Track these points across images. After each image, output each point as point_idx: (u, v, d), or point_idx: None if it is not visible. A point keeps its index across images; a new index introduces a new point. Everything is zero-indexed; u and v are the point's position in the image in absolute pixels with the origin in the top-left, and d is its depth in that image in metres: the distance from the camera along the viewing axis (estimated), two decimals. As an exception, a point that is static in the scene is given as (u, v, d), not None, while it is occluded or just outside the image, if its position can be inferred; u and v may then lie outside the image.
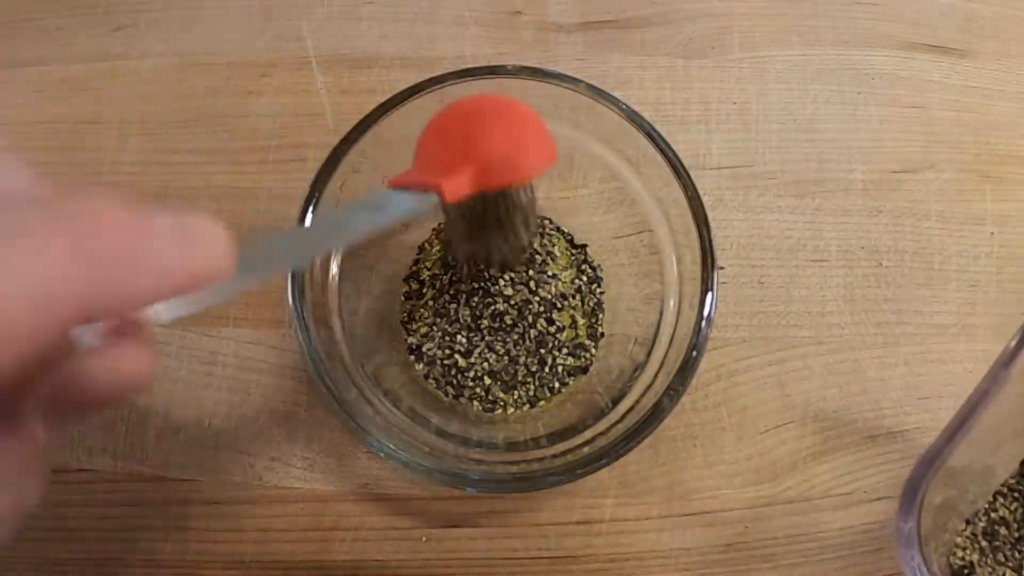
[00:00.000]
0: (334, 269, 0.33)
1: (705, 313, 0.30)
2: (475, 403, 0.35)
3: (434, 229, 0.38)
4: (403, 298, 0.37)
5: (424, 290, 0.37)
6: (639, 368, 0.33)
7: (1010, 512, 0.34)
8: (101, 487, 0.36)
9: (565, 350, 0.36)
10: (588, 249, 0.38)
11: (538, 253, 0.36)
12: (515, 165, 0.27)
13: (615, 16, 0.43)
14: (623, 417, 0.31)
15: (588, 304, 0.37)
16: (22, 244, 0.13)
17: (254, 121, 0.41)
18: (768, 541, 0.36)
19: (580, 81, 0.32)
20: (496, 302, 0.35)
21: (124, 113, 0.41)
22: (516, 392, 0.35)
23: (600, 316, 0.37)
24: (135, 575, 0.35)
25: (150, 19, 0.43)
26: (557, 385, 0.36)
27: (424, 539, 0.35)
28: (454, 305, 0.36)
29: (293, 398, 0.37)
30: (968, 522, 0.34)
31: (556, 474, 0.29)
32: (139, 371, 0.17)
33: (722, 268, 0.39)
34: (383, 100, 0.32)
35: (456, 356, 0.35)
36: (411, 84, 0.32)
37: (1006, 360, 0.26)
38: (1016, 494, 0.34)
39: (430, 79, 0.32)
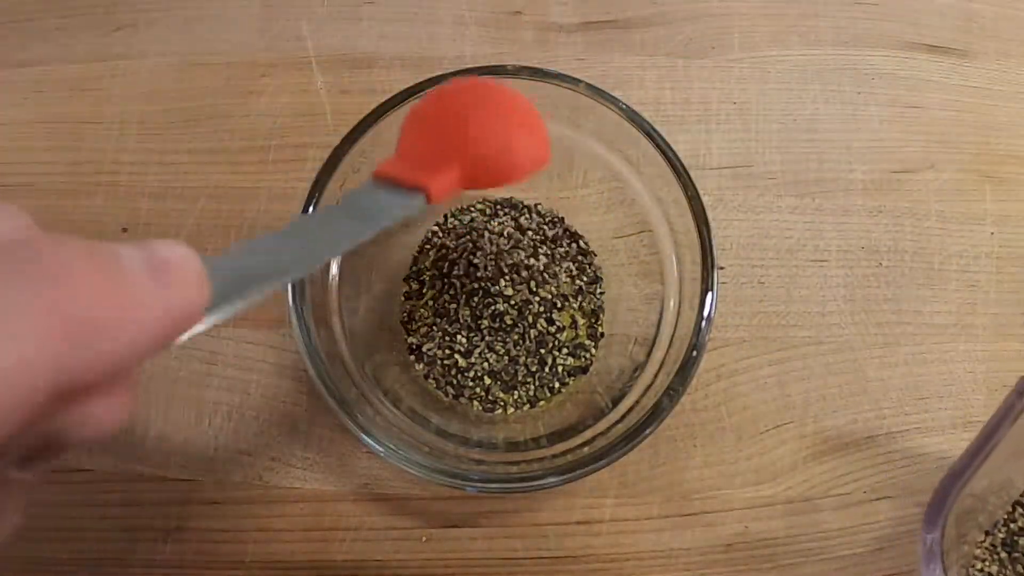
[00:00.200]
0: (334, 269, 0.33)
1: (705, 313, 0.30)
2: (475, 403, 0.35)
3: (433, 229, 0.38)
4: (403, 298, 0.37)
5: (424, 290, 0.37)
6: (639, 368, 0.33)
7: (1030, 523, 0.34)
8: (101, 487, 0.36)
9: (565, 350, 0.36)
10: (589, 249, 0.38)
11: (543, 255, 0.36)
12: (507, 166, 0.25)
13: (615, 16, 0.43)
14: (623, 417, 0.31)
15: (588, 304, 0.37)
16: None
17: (254, 121, 0.41)
18: (768, 541, 0.36)
19: (580, 81, 0.32)
20: (496, 302, 0.35)
21: (124, 113, 0.41)
22: (516, 392, 0.35)
23: (600, 316, 0.37)
24: (135, 575, 0.35)
25: (150, 19, 0.43)
26: (557, 385, 0.36)
27: (424, 539, 0.35)
28: (454, 305, 0.36)
29: (293, 398, 0.37)
30: (987, 533, 0.34)
31: (556, 474, 0.29)
32: (120, 419, 0.16)
33: (722, 268, 0.39)
34: (383, 100, 0.32)
35: (456, 356, 0.35)
36: (411, 84, 0.32)
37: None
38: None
39: (430, 79, 0.32)
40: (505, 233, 0.37)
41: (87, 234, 0.39)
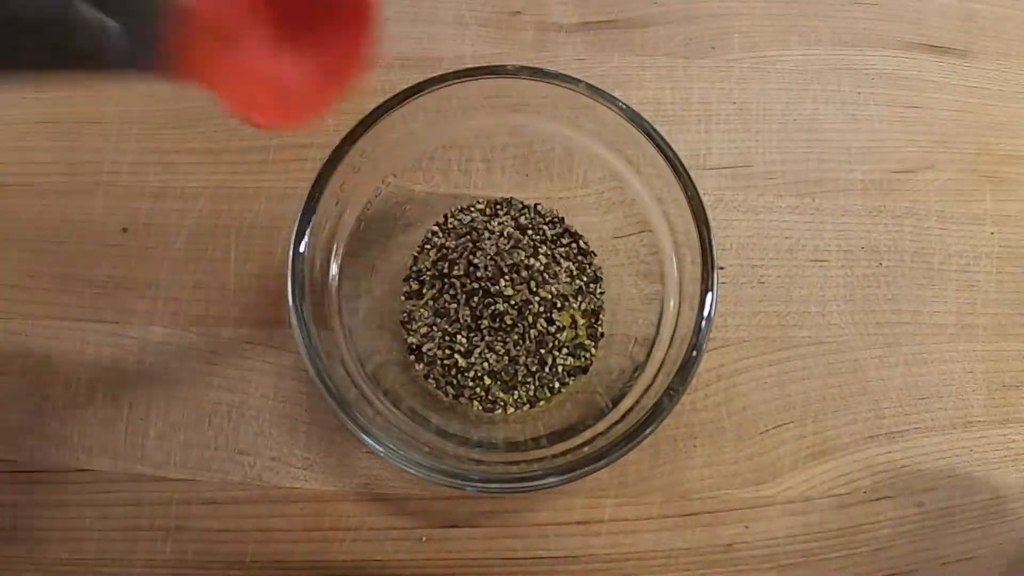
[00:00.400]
0: (334, 269, 0.33)
1: (705, 313, 0.30)
2: (475, 403, 0.35)
3: (433, 229, 0.38)
4: (403, 298, 0.37)
5: (424, 290, 0.37)
6: (639, 368, 0.33)
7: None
8: (101, 487, 0.36)
9: (565, 350, 0.36)
10: (589, 249, 0.38)
11: (543, 255, 0.36)
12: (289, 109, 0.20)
13: (615, 16, 0.43)
14: (623, 417, 0.31)
15: (588, 304, 0.37)
16: None
17: (254, 121, 0.41)
18: (768, 541, 0.36)
19: (580, 81, 0.32)
20: (496, 302, 0.35)
21: (124, 113, 0.41)
22: (516, 392, 0.35)
23: (600, 316, 0.37)
24: (135, 575, 0.35)
25: (150, 19, 0.43)
26: (557, 385, 0.36)
27: (424, 539, 0.35)
28: (454, 305, 0.36)
29: (293, 398, 0.37)
30: None
31: (556, 474, 0.29)
32: None
33: (722, 268, 0.39)
34: (383, 100, 0.32)
35: (456, 356, 0.35)
36: (411, 84, 0.32)
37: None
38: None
39: (430, 79, 0.32)
40: (505, 233, 0.37)
41: (87, 234, 0.39)
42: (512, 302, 0.35)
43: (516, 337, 0.35)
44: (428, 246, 0.38)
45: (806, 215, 0.40)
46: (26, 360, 0.38)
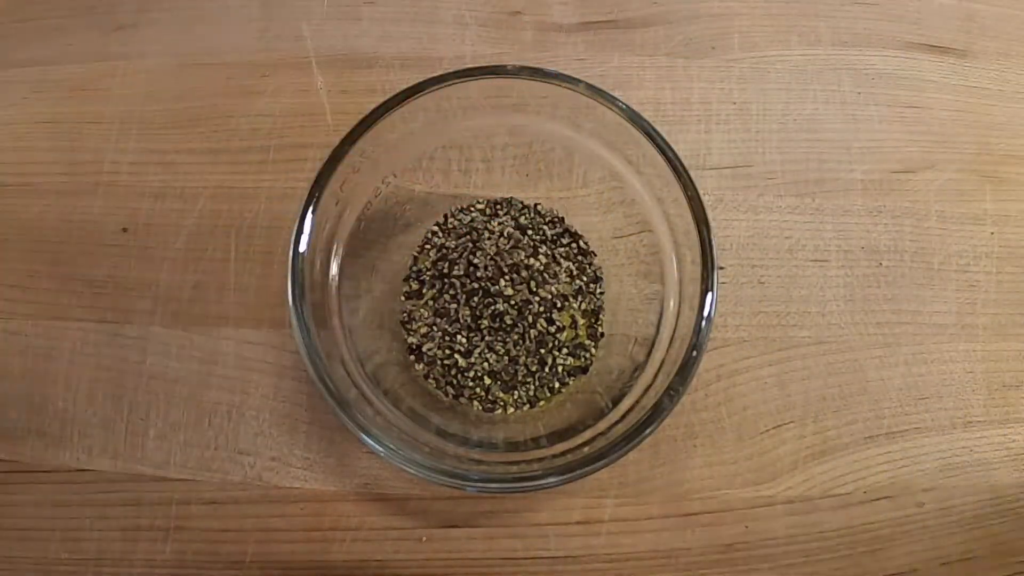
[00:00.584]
0: (334, 269, 0.33)
1: (705, 313, 0.30)
2: (475, 403, 0.35)
3: (433, 229, 0.38)
4: (403, 298, 0.37)
5: (424, 290, 0.37)
6: (639, 368, 0.33)
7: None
8: (101, 487, 0.36)
9: (565, 350, 0.36)
10: (589, 249, 0.38)
11: (543, 255, 0.36)
12: None
13: (615, 16, 0.43)
14: (623, 417, 0.31)
15: (588, 304, 0.37)
16: None
17: (254, 121, 0.41)
18: (768, 541, 0.36)
19: (580, 81, 0.32)
20: (496, 302, 0.35)
21: (124, 113, 0.41)
22: (516, 392, 0.35)
23: (600, 316, 0.37)
24: (135, 575, 0.35)
25: (150, 19, 0.43)
26: (557, 385, 0.36)
27: (424, 539, 0.35)
28: (454, 305, 0.36)
29: (293, 398, 0.37)
30: None
31: (556, 474, 0.29)
32: None
33: (722, 268, 0.39)
34: (383, 100, 0.32)
35: (456, 356, 0.35)
36: (411, 84, 0.32)
37: None
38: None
39: (430, 79, 0.32)
40: (505, 233, 0.37)
41: (87, 234, 0.39)
42: (512, 302, 0.35)
43: (516, 337, 0.35)
44: (428, 246, 0.38)
45: (806, 215, 0.40)
46: (26, 360, 0.38)
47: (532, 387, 0.35)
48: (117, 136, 0.41)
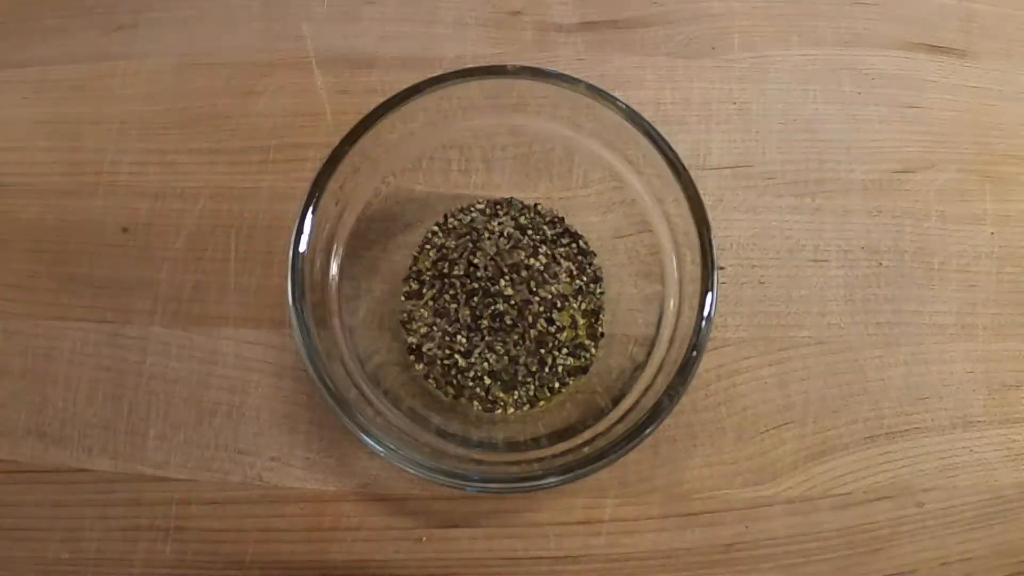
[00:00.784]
0: (334, 269, 0.33)
1: (705, 313, 0.30)
2: (475, 403, 0.35)
3: (433, 229, 0.38)
4: (403, 298, 0.37)
5: (424, 290, 0.37)
6: (639, 368, 0.33)
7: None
8: (101, 487, 0.36)
9: (565, 350, 0.36)
10: (589, 249, 0.38)
11: (543, 255, 0.36)
12: None
13: (615, 16, 0.43)
14: (623, 417, 0.31)
15: (588, 304, 0.37)
16: None
17: (254, 121, 0.41)
18: (768, 541, 0.36)
19: (580, 81, 0.32)
20: (496, 302, 0.35)
21: (124, 113, 0.41)
22: (516, 392, 0.35)
23: (600, 316, 0.37)
24: (135, 575, 0.35)
25: (150, 19, 0.43)
26: (557, 385, 0.36)
27: (424, 539, 0.35)
28: (454, 305, 0.36)
29: (293, 398, 0.37)
30: None
31: (556, 474, 0.29)
32: None
33: (722, 268, 0.39)
34: (383, 100, 0.32)
35: (456, 356, 0.35)
36: (411, 84, 0.32)
37: None
38: None
39: (430, 79, 0.32)
40: (505, 233, 0.37)
41: (87, 234, 0.39)
42: (512, 302, 0.35)
43: (516, 337, 0.35)
44: (428, 246, 0.38)
45: (806, 215, 0.40)
46: (26, 360, 0.38)
47: (532, 387, 0.35)
48: (117, 136, 0.41)
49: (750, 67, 0.42)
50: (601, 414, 0.32)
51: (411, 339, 0.36)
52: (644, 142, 0.32)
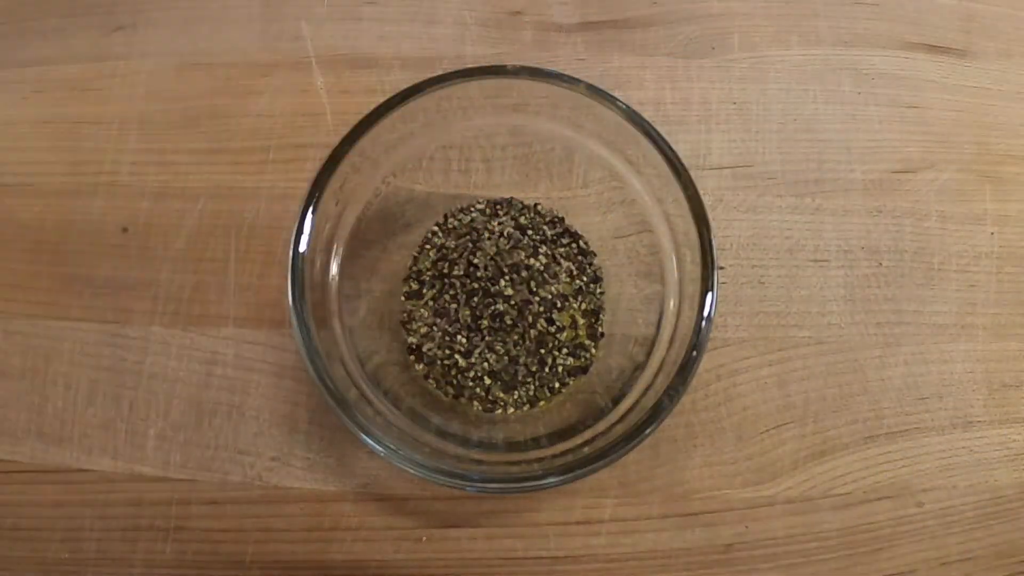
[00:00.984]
0: (334, 269, 0.33)
1: (705, 313, 0.30)
2: (475, 403, 0.35)
3: (433, 229, 0.38)
4: (403, 298, 0.37)
5: (424, 290, 0.37)
6: (639, 368, 0.33)
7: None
8: (101, 487, 0.36)
9: (565, 350, 0.36)
10: (589, 249, 0.38)
11: (543, 255, 0.36)
12: None
13: (615, 16, 0.43)
14: (623, 417, 0.31)
15: (588, 304, 0.37)
16: None
17: (254, 121, 0.41)
18: (768, 541, 0.36)
19: (580, 81, 0.32)
20: (496, 302, 0.35)
21: (124, 113, 0.41)
22: (516, 392, 0.35)
23: (600, 316, 0.37)
24: (135, 575, 0.35)
25: (150, 19, 0.43)
26: (557, 385, 0.36)
27: (424, 539, 0.35)
28: (454, 305, 0.36)
29: (293, 398, 0.37)
30: None
31: (556, 474, 0.29)
32: None
33: (722, 268, 0.39)
34: (383, 100, 0.32)
35: (456, 356, 0.35)
36: (411, 84, 0.32)
37: None
38: None
39: (430, 79, 0.32)
40: (505, 233, 0.37)
41: (87, 234, 0.39)
42: (512, 302, 0.35)
43: (516, 337, 0.35)
44: (428, 246, 0.38)
45: (806, 215, 0.40)
46: (26, 360, 0.38)
47: (532, 387, 0.35)
48: (117, 136, 0.41)
49: (750, 67, 0.42)
50: (601, 414, 0.32)
51: (411, 339, 0.36)
52: (644, 142, 0.32)
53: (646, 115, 0.32)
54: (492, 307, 0.35)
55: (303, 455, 0.36)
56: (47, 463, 0.37)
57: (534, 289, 0.36)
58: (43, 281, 0.39)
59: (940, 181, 0.41)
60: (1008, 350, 0.39)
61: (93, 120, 0.41)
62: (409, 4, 0.43)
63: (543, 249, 0.37)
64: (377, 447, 0.29)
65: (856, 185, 0.40)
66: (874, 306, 0.39)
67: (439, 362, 0.36)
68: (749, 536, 0.36)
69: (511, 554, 0.35)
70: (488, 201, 0.38)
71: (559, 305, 0.36)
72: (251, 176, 0.40)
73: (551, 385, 0.36)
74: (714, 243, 0.31)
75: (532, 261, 0.36)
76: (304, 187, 0.31)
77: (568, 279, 0.37)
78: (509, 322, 0.35)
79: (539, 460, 0.31)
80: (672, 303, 0.33)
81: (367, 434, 0.29)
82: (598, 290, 0.37)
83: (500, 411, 0.36)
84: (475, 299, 0.36)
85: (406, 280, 0.37)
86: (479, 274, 0.36)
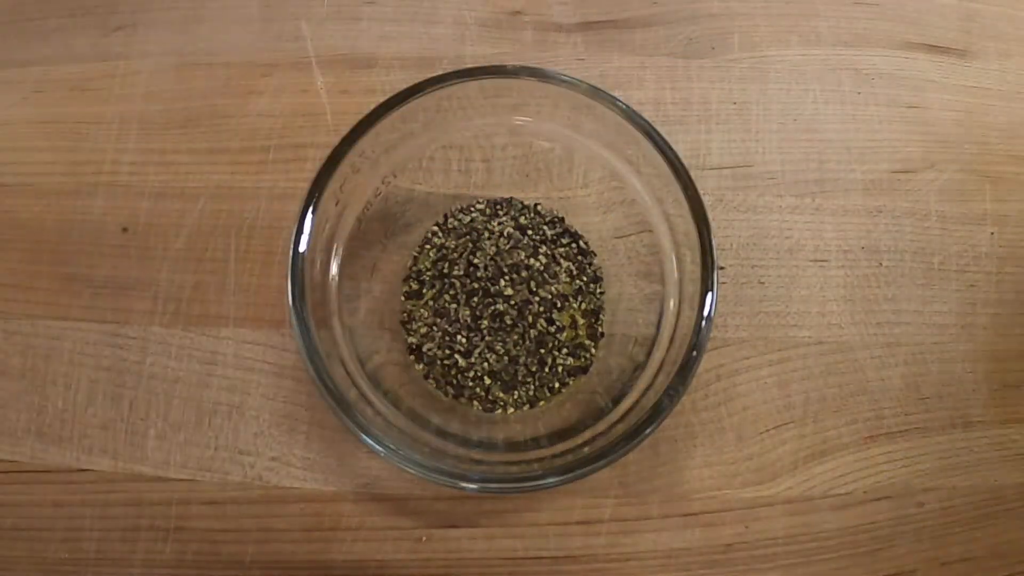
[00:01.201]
0: (334, 269, 0.33)
1: (705, 313, 0.30)
2: (475, 403, 0.35)
3: (433, 229, 0.38)
4: (403, 298, 0.37)
5: (424, 290, 0.37)
6: (639, 368, 0.33)
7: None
8: (101, 487, 0.36)
9: (565, 350, 0.36)
10: (589, 249, 0.38)
11: (543, 255, 0.36)
12: None
13: (615, 16, 0.43)
14: (623, 417, 0.31)
15: (588, 304, 0.37)
16: None
17: (254, 121, 0.41)
18: (768, 541, 0.36)
19: (580, 81, 0.32)
20: (496, 302, 0.35)
21: (124, 113, 0.41)
22: (516, 392, 0.35)
23: (600, 316, 0.37)
24: (135, 575, 0.35)
25: (150, 19, 0.43)
26: (557, 385, 0.36)
27: (424, 539, 0.35)
28: (454, 305, 0.36)
29: (293, 398, 0.37)
30: None
31: (556, 474, 0.29)
32: None
33: (722, 268, 0.39)
34: (383, 100, 0.32)
35: (456, 356, 0.35)
36: (411, 84, 0.32)
37: None
38: None
39: (430, 79, 0.32)
40: (505, 233, 0.37)
41: (87, 234, 0.39)
42: (512, 302, 0.35)
43: (516, 337, 0.35)
44: (428, 246, 0.38)
45: (806, 215, 0.40)
46: (26, 360, 0.38)
47: (532, 387, 0.35)
48: (117, 136, 0.41)
49: (750, 67, 0.42)
50: (601, 414, 0.32)
51: (411, 339, 0.36)
52: (644, 142, 0.32)
53: (646, 115, 0.32)
54: (492, 307, 0.35)
55: (303, 455, 0.36)
56: (47, 463, 0.37)
57: (534, 289, 0.36)
58: (43, 281, 0.39)
59: (940, 181, 0.41)
60: (1008, 350, 0.39)
61: (93, 120, 0.41)
62: (409, 4, 0.43)
63: (543, 249, 0.37)
64: (377, 447, 0.29)
65: (856, 185, 0.40)
66: (874, 306, 0.39)
67: (439, 362, 0.36)
68: (749, 536, 0.36)
69: (511, 554, 0.35)
70: (488, 201, 0.38)
71: (559, 305, 0.36)
72: (251, 176, 0.40)
73: (551, 385, 0.36)
74: (714, 243, 0.31)
75: (532, 261, 0.36)
76: (304, 187, 0.31)
77: (568, 279, 0.37)
78: (509, 322, 0.35)
79: (539, 460, 0.31)
80: (672, 303, 0.33)
81: (367, 434, 0.29)
82: (598, 290, 0.37)
83: (500, 411, 0.36)
84: (475, 299, 0.36)
85: (406, 280, 0.37)
86: (479, 274, 0.36)
